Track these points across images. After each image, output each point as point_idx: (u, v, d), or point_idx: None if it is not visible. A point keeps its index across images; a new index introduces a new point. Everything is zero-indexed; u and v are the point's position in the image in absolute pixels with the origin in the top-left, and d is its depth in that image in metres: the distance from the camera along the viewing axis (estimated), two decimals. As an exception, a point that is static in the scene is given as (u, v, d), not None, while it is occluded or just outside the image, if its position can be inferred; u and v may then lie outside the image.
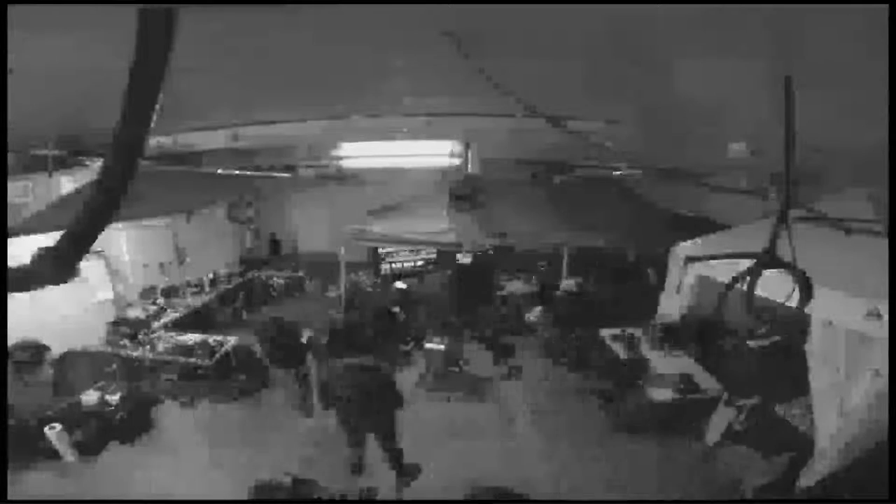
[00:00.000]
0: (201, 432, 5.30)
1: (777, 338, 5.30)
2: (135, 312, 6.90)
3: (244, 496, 4.07)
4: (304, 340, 5.99)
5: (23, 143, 3.70)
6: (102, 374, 5.74)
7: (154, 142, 3.93)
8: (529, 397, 6.01)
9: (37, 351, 5.10)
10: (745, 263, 2.00)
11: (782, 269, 1.93)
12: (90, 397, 5.16)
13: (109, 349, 6.10)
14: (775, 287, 2.04)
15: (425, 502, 4.32)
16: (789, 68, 1.60)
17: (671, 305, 6.11)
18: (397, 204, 7.84)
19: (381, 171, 7.16)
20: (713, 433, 4.61)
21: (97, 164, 4.03)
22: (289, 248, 10.90)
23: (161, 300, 7.45)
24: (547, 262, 9.02)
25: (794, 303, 2.03)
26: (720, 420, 4.59)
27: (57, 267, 0.81)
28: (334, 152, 5.21)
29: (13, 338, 4.95)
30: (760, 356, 5.30)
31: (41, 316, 5.19)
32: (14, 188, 4.28)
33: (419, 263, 9.62)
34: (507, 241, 7.16)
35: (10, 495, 3.95)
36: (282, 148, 5.44)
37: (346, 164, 5.84)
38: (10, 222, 4.14)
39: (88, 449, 4.73)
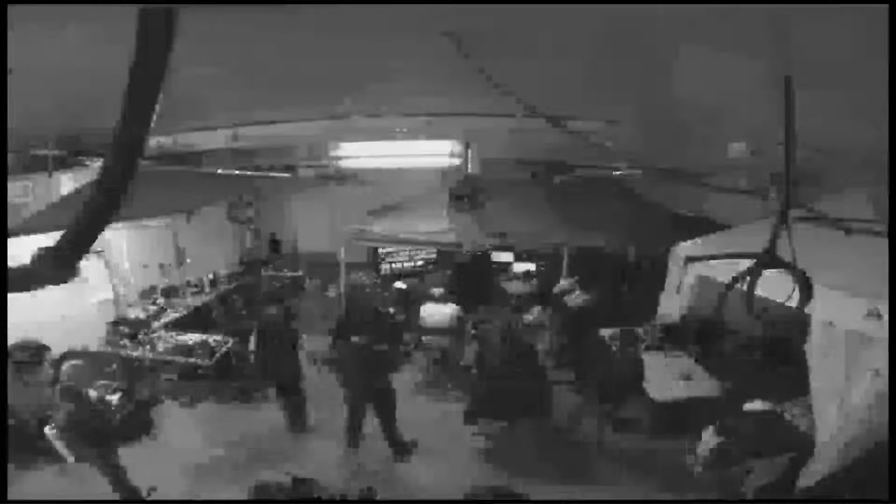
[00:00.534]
0: (201, 432, 5.31)
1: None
2: (135, 312, 6.90)
3: (244, 496, 4.07)
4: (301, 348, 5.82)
5: (23, 143, 3.70)
6: (102, 374, 5.73)
7: (154, 142, 3.93)
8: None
9: (37, 351, 5.10)
10: (745, 263, 2.00)
11: (782, 269, 1.93)
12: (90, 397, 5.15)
13: (109, 349, 6.10)
14: (775, 287, 2.04)
15: (425, 502, 4.32)
16: (789, 68, 1.60)
17: (671, 305, 6.11)
18: (397, 204, 7.84)
19: (381, 171, 7.16)
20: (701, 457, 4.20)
21: (97, 164, 4.02)
22: (289, 248, 10.89)
23: (161, 300, 7.45)
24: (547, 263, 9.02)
25: (794, 303, 2.03)
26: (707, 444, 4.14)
27: (57, 267, 0.81)
28: (334, 152, 5.21)
29: (13, 338, 4.94)
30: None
31: (41, 316, 5.18)
32: (14, 188, 4.27)
33: (419, 263, 9.62)
34: (507, 241, 7.15)
35: (10, 495, 3.95)
36: (282, 148, 5.45)
37: (346, 164, 5.84)
38: (10, 222, 4.14)
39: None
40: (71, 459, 4.52)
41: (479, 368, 5.54)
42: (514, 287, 9.04)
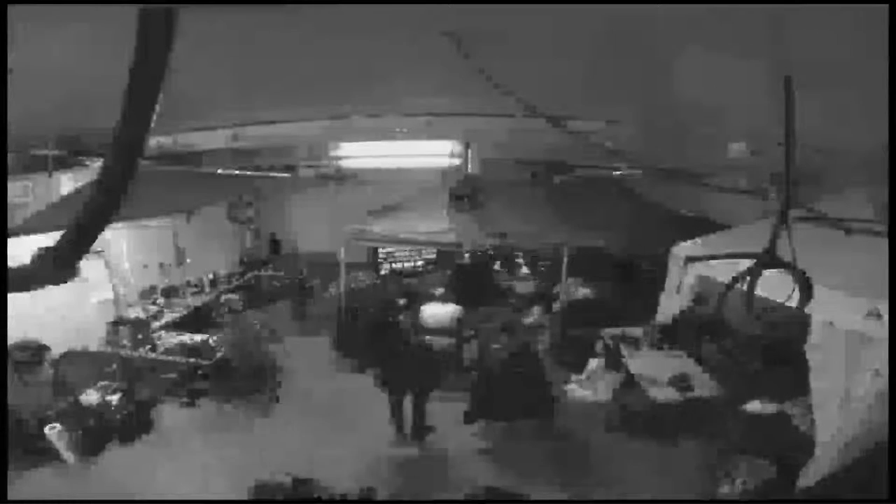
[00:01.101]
0: (201, 432, 5.31)
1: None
2: (135, 312, 6.90)
3: (244, 496, 4.08)
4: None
5: (23, 143, 3.70)
6: (102, 374, 5.73)
7: (154, 142, 3.93)
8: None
9: (37, 351, 5.10)
10: (745, 263, 2.00)
11: (782, 269, 1.93)
12: (90, 397, 5.16)
13: (109, 349, 6.10)
14: (775, 287, 2.04)
15: (425, 502, 4.33)
16: (789, 68, 1.60)
17: (671, 305, 6.11)
18: (397, 204, 7.83)
19: (381, 171, 7.16)
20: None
21: (97, 164, 4.02)
22: (289, 248, 10.89)
23: (161, 300, 7.44)
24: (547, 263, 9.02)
25: (794, 303, 2.03)
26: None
27: (57, 267, 0.81)
28: (334, 152, 5.21)
29: (13, 338, 4.94)
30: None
31: (41, 316, 5.19)
32: (14, 188, 4.26)
33: (419, 263, 9.62)
34: (507, 241, 7.15)
35: (10, 495, 3.95)
36: (282, 148, 5.44)
37: (346, 164, 5.84)
38: (10, 222, 4.14)
39: (88, 449, 4.73)
40: (71, 459, 4.54)
41: (478, 369, 5.54)
42: (514, 287, 9.04)
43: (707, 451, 4.63)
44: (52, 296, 5.21)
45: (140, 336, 6.22)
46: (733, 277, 2.09)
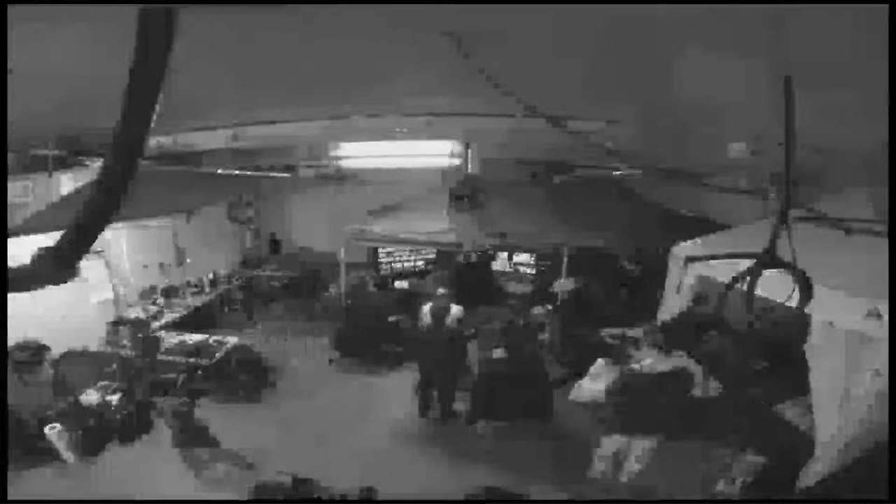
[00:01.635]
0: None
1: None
2: (135, 312, 6.90)
3: (244, 496, 4.08)
4: None
5: (23, 143, 3.70)
6: (102, 374, 5.73)
7: (154, 142, 3.92)
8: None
9: (37, 351, 5.10)
10: (745, 263, 2.00)
11: (782, 269, 1.92)
12: (90, 397, 5.16)
13: (109, 349, 6.10)
14: (775, 287, 2.04)
15: (425, 502, 4.32)
16: (789, 68, 1.60)
17: (671, 305, 6.10)
18: (397, 204, 7.83)
19: (381, 171, 7.16)
20: None
21: (97, 164, 4.02)
22: (289, 248, 10.89)
23: (161, 300, 7.45)
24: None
25: (794, 303, 2.03)
26: None
27: (57, 267, 0.81)
28: (334, 152, 5.21)
29: (13, 338, 4.94)
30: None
31: (41, 316, 5.18)
32: (14, 188, 4.26)
33: (419, 263, 9.61)
34: (507, 241, 7.16)
35: (10, 495, 3.95)
36: (282, 148, 5.44)
37: (346, 164, 5.84)
38: (10, 222, 4.14)
39: (88, 449, 4.73)
40: (71, 459, 4.54)
41: (479, 369, 5.53)
42: (515, 287, 9.03)
43: (707, 450, 4.63)
44: (52, 296, 5.20)
45: (140, 335, 6.21)
46: (733, 277, 2.09)
